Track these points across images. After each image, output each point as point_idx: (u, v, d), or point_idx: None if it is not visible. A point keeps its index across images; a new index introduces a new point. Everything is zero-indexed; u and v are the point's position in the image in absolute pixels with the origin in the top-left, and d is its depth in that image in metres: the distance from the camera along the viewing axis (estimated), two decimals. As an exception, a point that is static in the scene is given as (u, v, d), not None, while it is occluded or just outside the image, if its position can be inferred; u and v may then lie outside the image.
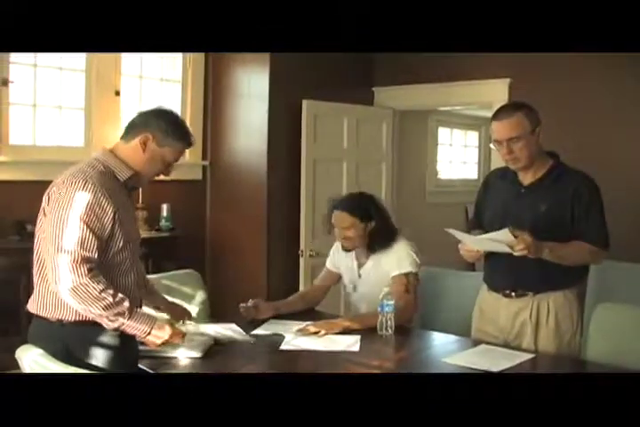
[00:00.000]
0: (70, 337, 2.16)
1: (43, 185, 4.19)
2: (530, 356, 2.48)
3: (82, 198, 2.10)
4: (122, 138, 2.32)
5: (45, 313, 2.19)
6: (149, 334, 2.17)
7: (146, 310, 2.44)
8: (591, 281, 3.73)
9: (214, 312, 3.30)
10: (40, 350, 2.10)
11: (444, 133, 7.54)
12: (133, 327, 2.15)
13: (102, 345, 2.19)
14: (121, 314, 2.11)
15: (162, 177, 4.94)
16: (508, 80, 4.68)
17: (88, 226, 2.10)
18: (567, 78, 4.40)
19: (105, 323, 2.13)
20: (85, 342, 2.17)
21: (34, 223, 3.77)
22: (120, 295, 2.12)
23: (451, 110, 6.94)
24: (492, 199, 2.80)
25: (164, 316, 2.58)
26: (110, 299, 2.09)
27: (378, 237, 3.05)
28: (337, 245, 3.26)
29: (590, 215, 2.56)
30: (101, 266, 2.15)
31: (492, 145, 2.68)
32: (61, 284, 2.07)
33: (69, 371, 2.02)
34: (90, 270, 2.08)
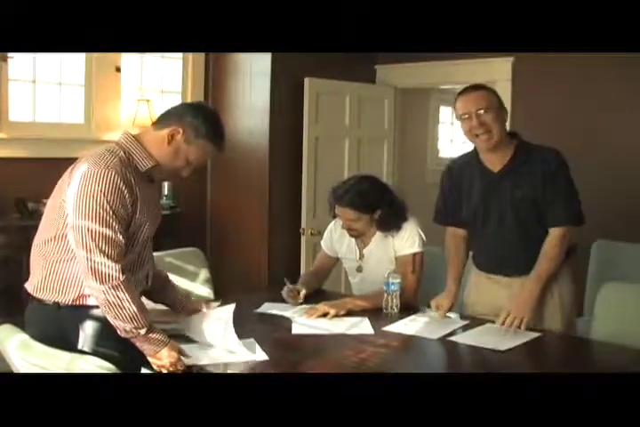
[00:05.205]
0: (67, 320, 2.08)
1: (43, 162, 4.15)
2: (536, 335, 2.48)
3: (108, 193, 1.99)
4: (153, 124, 2.20)
5: (42, 295, 2.11)
6: (158, 352, 2.04)
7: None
8: (591, 261, 3.76)
9: (216, 290, 3.31)
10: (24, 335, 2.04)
11: (445, 112, 7.49)
12: (149, 342, 2.03)
13: (100, 329, 2.09)
14: (140, 328, 2.01)
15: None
16: (511, 58, 4.63)
17: (110, 224, 1.99)
18: (571, 56, 4.35)
19: (120, 332, 2.03)
20: (82, 325, 2.08)
21: (35, 201, 3.78)
22: (144, 308, 2.04)
23: (452, 89, 6.89)
24: (465, 189, 2.74)
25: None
26: (134, 308, 1.99)
27: (386, 222, 2.97)
28: (332, 228, 3.17)
29: (559, 193, 2.51)
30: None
31: (459, 122, 2.58)
32: (98, 282, 1.97)
33: (63, 355, 1.97)
34: (123, 272, 1.99)
